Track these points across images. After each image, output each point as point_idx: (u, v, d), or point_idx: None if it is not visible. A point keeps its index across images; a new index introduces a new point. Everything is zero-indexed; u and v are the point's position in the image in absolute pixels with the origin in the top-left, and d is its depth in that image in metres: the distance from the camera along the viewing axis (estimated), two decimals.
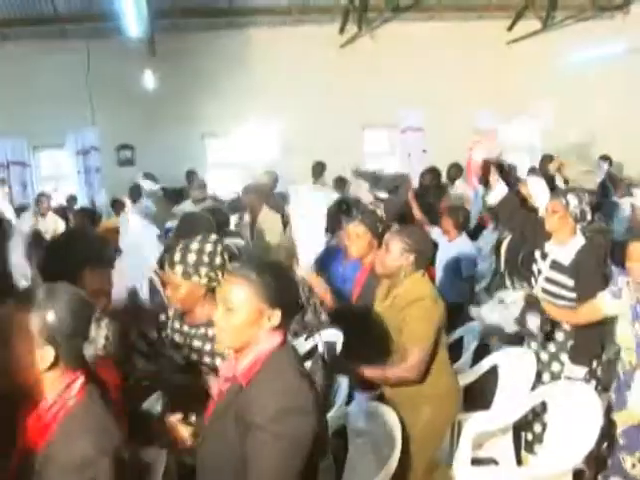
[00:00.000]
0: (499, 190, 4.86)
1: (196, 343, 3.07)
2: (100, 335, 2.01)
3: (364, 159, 12.94)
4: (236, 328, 2.23)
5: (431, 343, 3.48)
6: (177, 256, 3.02)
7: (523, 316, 4.23)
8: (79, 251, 2.61)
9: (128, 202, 8.72)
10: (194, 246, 3.02)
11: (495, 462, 4.16)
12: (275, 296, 2.22)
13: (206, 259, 2.97)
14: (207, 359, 3.02)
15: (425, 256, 3.68)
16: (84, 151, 11.96)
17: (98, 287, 2.52)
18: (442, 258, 5.89)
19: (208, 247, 3.01)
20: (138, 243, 7.08)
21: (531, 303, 4.23)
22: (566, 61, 12.24)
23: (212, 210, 5.74)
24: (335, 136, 11.85)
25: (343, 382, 4.10)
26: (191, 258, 2.98)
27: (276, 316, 2.22)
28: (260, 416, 2.08)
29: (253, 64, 11.87)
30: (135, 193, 9.87)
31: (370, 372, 3.47)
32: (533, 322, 4.21)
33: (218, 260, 2.99)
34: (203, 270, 2.95)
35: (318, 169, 10.83)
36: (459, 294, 5.82)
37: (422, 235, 3.78)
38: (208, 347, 3.03)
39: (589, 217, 4.41)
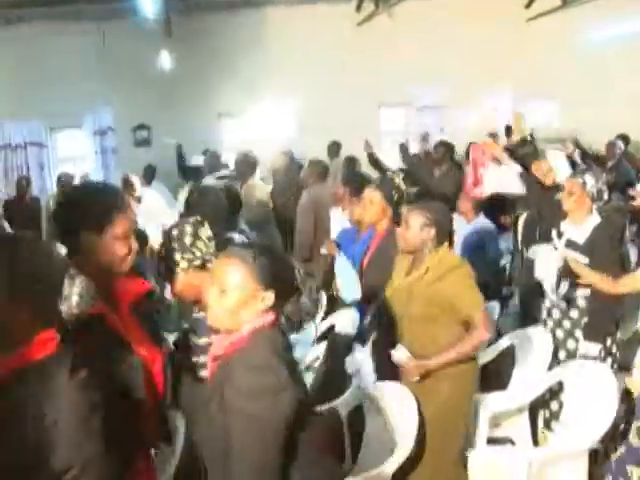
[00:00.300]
0: (513, 169, 4.88)
1: None
2: (74, 292, 1.96)
3: (380, 138, 12.90)
4: (230, 310, 2.20)
5: (483, 301, 3.55)
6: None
7: (559, 279, 4.24)
8: (113, 193, 2.54)
9: (137, 181, 8.72)
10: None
11: (512, 442, 4.16)
12: (270, 277, 2.20)
13: (175, 245, 2.98)
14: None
15: (446, 228, 3.65)
16: (101, 132, 12.01)
17: (123, 232, 2.41)
18: (460, 240, 5.79)
19: (174, 233, 3.00)
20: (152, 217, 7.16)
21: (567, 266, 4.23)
22: (586, 39, 12.09)
23: (229, 189, 5.71)
24: (351, 115, 11.78)
25: (366, 364, 4.11)
26: (166, 253, 3.00)
27: (269, 297, 2.19)
28: (234, 398, 2.07)
29: (269, 43, 11.82)
30: (149, 174, 9.90)
31: (443, 358, 3.45)
32: (563, 287, 4.23)
33: (187, 240, 2.98)
34: (177, 256, 2.95)
35: (334, 149, 10.82)
36: (482, 275, 5.73)
37: (441, 208, 3.74)
38: None
39: (606, 196, 4.45)
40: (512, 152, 6.32)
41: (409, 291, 3.58)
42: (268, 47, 11.78)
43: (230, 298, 2.19)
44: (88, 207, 2.34)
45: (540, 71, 12.22)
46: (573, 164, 7.36)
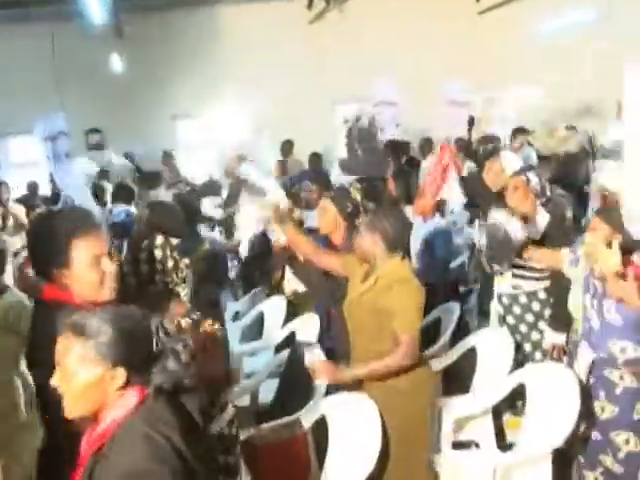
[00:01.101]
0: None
1: None
2: None
3: (336, 135, 12.88)
4: (77, 393, 1.95)
5: (419, 326, 3.49)
6: None
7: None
8: (62, 224, 2.43)
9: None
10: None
11: (476, 444, 4.17)
12: (117, 354, 1.93)
13: (159, 268, 2.98)
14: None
15: (395, 239, 3.60)
16: (52, 137, 11.76)
17: (96, 253, 2.35)
18: (416, 238, 5.81)
19: (159, 257, 3.00)
20: None
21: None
22: (537, 30, 12.16)
23: (182, 201, 5.67)
24: (306, 112, 11.77)
25: None
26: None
27: (120, 376, 1.94)
28: None
29: (221, 42, 11.75)
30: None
31: (360, 370, 3.47)
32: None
33: (170, 264, 2.99)
34: (157, 277, 2.96)
35: (287, 147, 10.87)
36: (436, 274, 5.78)
37: (393, 217, 3.69)
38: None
39: (548, 193, 4.59)
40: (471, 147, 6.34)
41: (360, 302, 3.57)
42: (220, 46, 11.72)
43: (75, 380, 1.93)
44: (48, 246, 2.33)
45: (494, 63, 12.30)
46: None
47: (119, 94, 11.46)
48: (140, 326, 2.01)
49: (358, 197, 4.55)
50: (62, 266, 2.31)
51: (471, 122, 11.44)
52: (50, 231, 2.36)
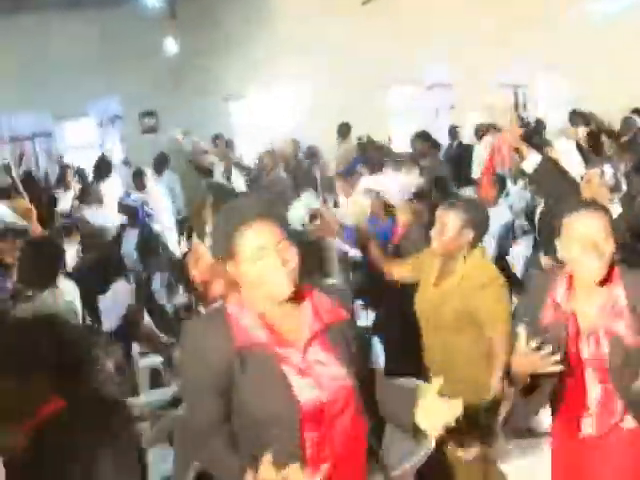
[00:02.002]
0: (533, 158, 4.77)
1: None
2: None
3: (389, 117, 12.81)
4: None
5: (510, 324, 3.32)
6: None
7: None
8: (235, 209, 2.21)
9: (150, 172, 8.64)
10: None
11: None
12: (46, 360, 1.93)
13: None
14: None
15: (484, 230, 3.47)
16: (107, 120, 11.91)
17: (261, 245, 2.09)
18: None
19: None
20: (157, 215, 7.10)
21: None
22: (595, 9, 11.85)
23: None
24: (360, 94, 11.68)
25: (379, 358, 4.07)
26: None
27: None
28: None
29: (275, 24, 11.68)
30: (159, 164, 9.82)
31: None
32: None
33: None
34: None
35: (344, 130, 10.76)
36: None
37: (479, 207, 3.55)
38: None
39: (624, 187, 4.44)
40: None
41: (441, 299, 3.41)
42: (274, 28, 11.64)
43: None
44: (217, 233, 2.20)
45: (550, 45, 12.03)
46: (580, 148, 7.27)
47: (173, 76, 11.50)
48: (77, 334, 2.12)
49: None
50: (228, 256, 2.12)
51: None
52: (223, 216, 2.21)
